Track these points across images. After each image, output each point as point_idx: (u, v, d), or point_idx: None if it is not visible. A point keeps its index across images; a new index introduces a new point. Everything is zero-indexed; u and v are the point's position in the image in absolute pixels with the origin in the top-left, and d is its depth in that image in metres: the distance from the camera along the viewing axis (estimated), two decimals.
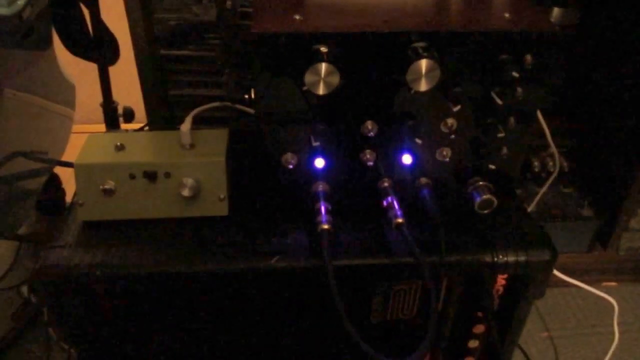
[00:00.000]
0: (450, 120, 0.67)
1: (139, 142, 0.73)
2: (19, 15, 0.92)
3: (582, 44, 1.10)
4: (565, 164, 1.19)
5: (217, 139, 0.74)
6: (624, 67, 1.10)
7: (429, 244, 0.68)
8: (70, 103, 1.21)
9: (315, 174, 0.70)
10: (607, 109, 1.16)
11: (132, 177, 0.69)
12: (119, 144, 0.71)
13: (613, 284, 1.31)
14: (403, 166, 0.70)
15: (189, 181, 0.69)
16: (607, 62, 1.12)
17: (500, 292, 0.75)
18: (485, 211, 0.70)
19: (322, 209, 0.67)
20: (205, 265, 0.67)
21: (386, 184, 0.70)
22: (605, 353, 1.09)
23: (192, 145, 0.72)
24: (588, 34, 1.09)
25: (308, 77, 0.60)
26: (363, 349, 0.60)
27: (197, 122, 0.75)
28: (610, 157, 1.18)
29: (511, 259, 0.69)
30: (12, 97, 1.05)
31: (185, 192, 0.69)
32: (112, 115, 0.94)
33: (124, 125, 0.98)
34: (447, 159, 0.70)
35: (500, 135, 0.69)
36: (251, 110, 0.87)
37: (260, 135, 0.67)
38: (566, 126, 1.20)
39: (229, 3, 0.89)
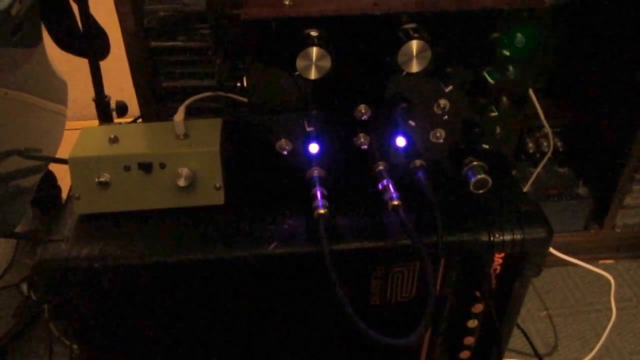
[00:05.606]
0: (442, 101, 0.67)
1: (132, 134, 0.73)
2: (7, 11, 0.92)
3: (575, 22, 1.10)
4: (559, 143, 1.20)
5: (211, 128, 0.74)
6: (617, 46, 1.10)
7: (425, 226, 0.68)
8: (63, 100, 1.21)
9: (310, 159, 0.70)
10: (600, 88, 1.16)
11: (127, 168, 0.69)
12: (112, 136, 0.71)
13: (610, 261, 1.32)
14: (397, 149, 0.70)
15: (185, 171, 0.69)
16: (600, 41, 1.12)
17: (497, 271, 0.76)
18: (481, 191, 0.71)
19: (318, 194, 0.67)
20: (204, 254, 0.67)
21: (381, 167, 0.70)
22: (604, 329, 1.10)
23: (186, 135, 0.72)
24: (581, 12, 1.09)
25: (299, 62, 0.60)
26: (363, 331, 0.61)
27: (190, 113, 0.75)
28: (604, 135, 1.18)
29: (507, 237, 0.70)
30: (4, 96, 1.05)
31: (181, 182, 0.69)
32: (104, 110, 0.94)
33: (117, 120, 0.98)
34: (441, 140, 0.70)
35: (493, 114, 0.69)
36: (244, 99, 0.87)
37: (254, 122, 0.67)
38: (559, 106, 1.20)
39: None
